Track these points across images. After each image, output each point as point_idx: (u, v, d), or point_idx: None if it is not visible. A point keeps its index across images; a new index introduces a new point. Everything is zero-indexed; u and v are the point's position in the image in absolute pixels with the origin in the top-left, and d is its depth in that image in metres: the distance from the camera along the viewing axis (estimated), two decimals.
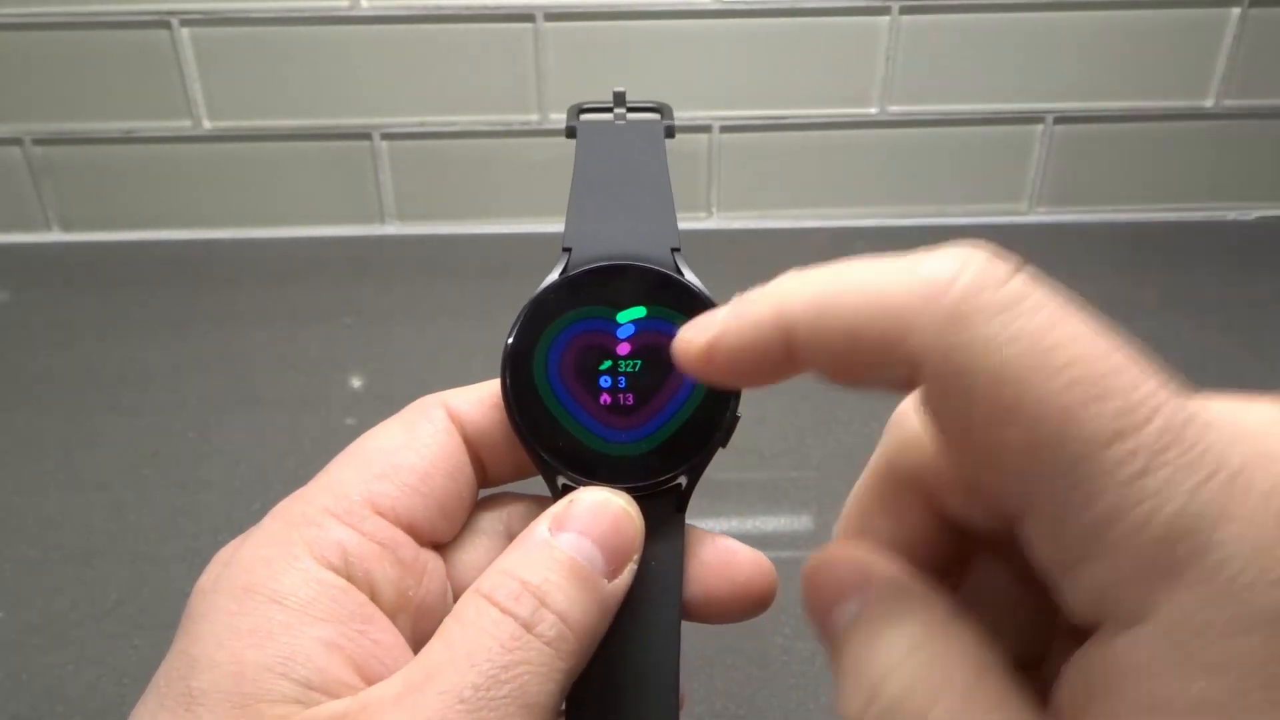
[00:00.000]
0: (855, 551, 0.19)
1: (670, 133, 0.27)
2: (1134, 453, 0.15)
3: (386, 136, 0.76)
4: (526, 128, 0.76)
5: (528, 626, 0.20)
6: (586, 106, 0.28)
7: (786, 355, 0.18)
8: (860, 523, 0.21)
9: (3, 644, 0.46)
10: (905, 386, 0.17)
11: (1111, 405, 0.15)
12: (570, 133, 0.27)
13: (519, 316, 0.24)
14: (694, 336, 0.19)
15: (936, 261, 0.16)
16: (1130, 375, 0.15)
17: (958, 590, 0.21)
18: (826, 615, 0.19)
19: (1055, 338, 0.15)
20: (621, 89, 0.28)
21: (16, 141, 0.76)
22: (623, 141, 0.27)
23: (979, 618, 0.18)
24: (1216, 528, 0.15)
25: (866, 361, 0.17)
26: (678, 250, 0.24)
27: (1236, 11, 0.74)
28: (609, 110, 0.28)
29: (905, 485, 0.20)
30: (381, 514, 0.22)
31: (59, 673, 0.45)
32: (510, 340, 0.24)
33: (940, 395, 0.17)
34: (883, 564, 0.19)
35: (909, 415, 0.20)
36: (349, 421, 0.60)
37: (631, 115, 0.28)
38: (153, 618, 0.47)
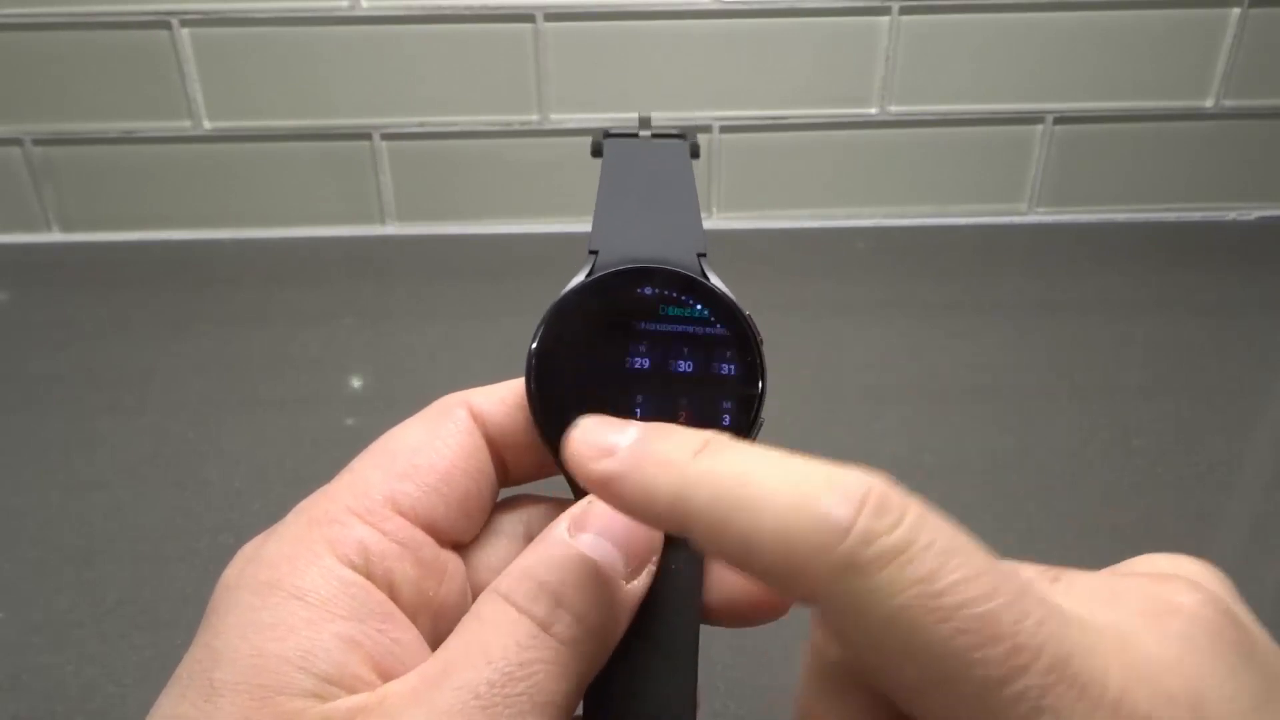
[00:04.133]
0: None
1: (695, 152, 0.27)
2: (1026, 692, 0.16)
3: (386, 136, 0.77)
4: (526, 128, 0.76)
5: (544, 626, 0.20)
6: (613, 132, 0.28)
7: (679, 531, 0.19)
8: (807, 708, 0.21)
9: (3, 644, 0.46)
10: (803, 603, 0.18)
11: (1001, 649, 0.16)
12: (596, 151, 0.28)
13: (544, 316, 0.24)
14: (592, 458, 0.20)
15: (834, 500, 0.17)
16: (1016, 612, 0.16)
17: None
18: None
19: (943, 583, 0.16)
20: (647, 114, 0.29)
21: (16, 141, 0.76)
22: (648, 154, 0.27)
23: None
24: None
25: (761, 579, 0.18)
26: (704, 255, 0.24)
27: (1236, 11, 0.74)
28: (634, 135, 0.28)
29: (835, 672, 0.21)
30: (403, 514, 0.23)
31: (59, 673, 0.45)
32: (535, 340, 0.24)
33: (838, 628, 0.18)
34: None
35: None
36: (349, 422, 0.60)
37: (656, 140, 0.28)
38: (153, 618, 0.47)
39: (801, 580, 0.17)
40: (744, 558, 0.18)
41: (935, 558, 0.17)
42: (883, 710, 0.20)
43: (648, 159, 0.27)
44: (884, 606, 0.17)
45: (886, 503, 0.17)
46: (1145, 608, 0.18)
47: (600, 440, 0.20)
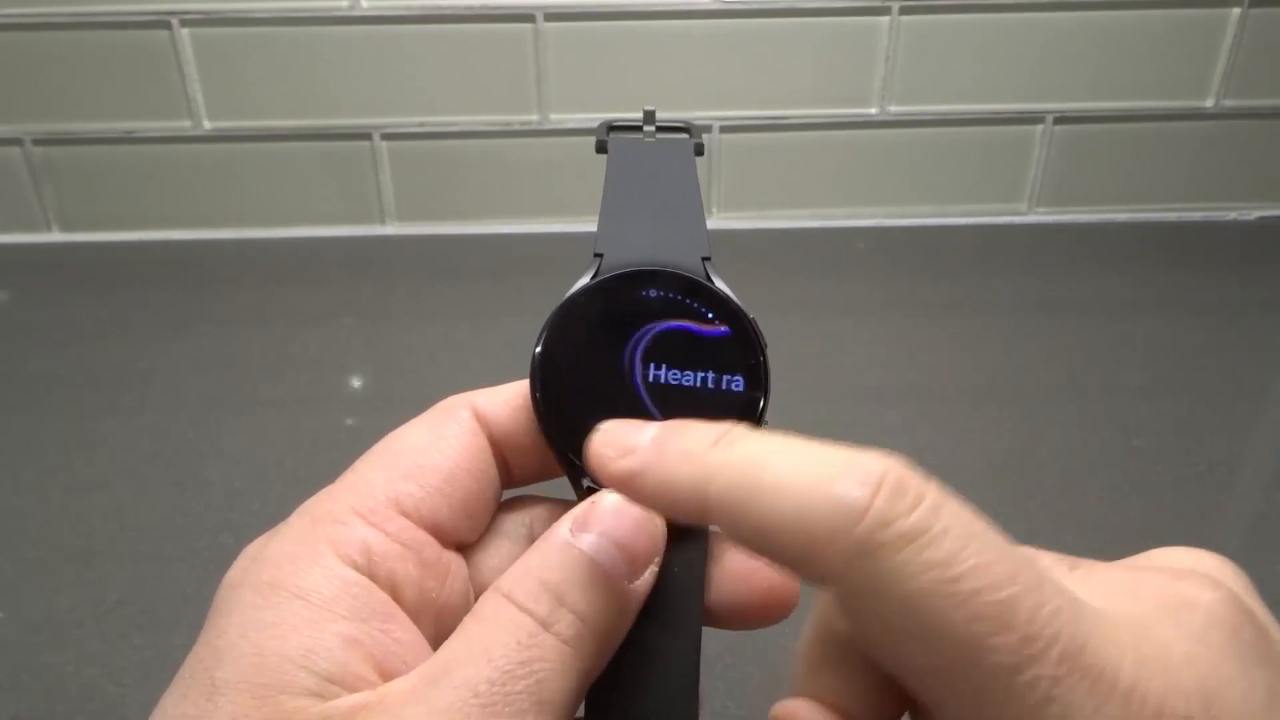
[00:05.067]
0: (798, 709, 0.21)
1: (699, 150, 0.28)
2: (1037, 681, 0.16)
3: (386, 136, 0.77)
4: (526, 128, 0.76)
5: (545, 625, 0.20)
6: (616, 124, 0.28)
7: (700, 520, 0.19)
8: (804, 680, 0.21)
9: (3, 644, 0.46)
10: (818, 585, 0.18)
11: (1015, 636, 0.16)
12: (600, 147, 0.28)
13: (549, 319, 0.24)
14: (614, 458, 0.20)
15: (850, 483, 0.17)
16: (1032, 600, 0.16)
17: None
18: None
19: (960, 568, 0.16)
20: (651, 107, 0.29)
21: (16, 141, 0.76)
22: (653, 155, 0.28)
23: None
24: None
25: (778, 563, 0.18)
26: (708, 259, 0.24)
27: (1236, 11, 0.74)
28: (638, 129, 0.28)
29: (839, 644, 0.21)
30: (406, 515, 0.23)
31: (59, 673, 0.45)
32: (539, 343, 0.24)
33: (851, 610, 0.18)
34: None
35: None
36: (349, 421, 0.60)
37: (661, 134, 0.28)
38: (153, 618, 0.47)
39: (818, 563, 0.17)
40: (761, 542, 0.18)
41: (953, 542, 0.17)
42: (878, 685, 0.20)
43: (653, 160, 0.27)
44: (900, 589, 0.17)
45: (903, 485, 0.17)
46: (1164, 602, 0.18)
47: (621, 440, 0.20)
